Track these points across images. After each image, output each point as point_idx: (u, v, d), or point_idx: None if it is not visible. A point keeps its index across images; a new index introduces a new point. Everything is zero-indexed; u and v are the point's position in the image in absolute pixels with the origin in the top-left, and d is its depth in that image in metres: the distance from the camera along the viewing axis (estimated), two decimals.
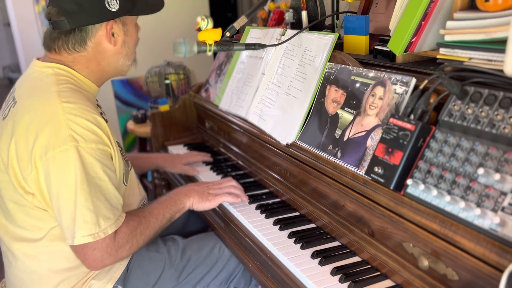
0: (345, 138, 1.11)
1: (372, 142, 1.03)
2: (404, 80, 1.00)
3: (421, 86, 0.94)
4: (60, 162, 1.02)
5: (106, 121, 1.22)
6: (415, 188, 0.87)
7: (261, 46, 1.34)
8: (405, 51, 1.06)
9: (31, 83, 1.15)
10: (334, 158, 1.12)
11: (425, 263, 0.85)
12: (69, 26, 1.11)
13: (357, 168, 1.04)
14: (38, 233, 1.12)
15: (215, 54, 2.06)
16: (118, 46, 1.20)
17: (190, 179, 1.63)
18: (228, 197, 1.31)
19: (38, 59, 1.20)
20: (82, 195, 1.02)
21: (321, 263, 1.02)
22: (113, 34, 1.17)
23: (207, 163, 1.70)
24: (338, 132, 1.14)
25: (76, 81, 1.16)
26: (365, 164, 1.01)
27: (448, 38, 0.93)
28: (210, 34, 1.25)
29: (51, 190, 1.04)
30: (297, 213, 1.27)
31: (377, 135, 1.02)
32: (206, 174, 1.61)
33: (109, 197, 1.08)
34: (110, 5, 1.13)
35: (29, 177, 1.05)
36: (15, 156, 1.05)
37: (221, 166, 1.67)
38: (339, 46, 1.30)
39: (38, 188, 1.06)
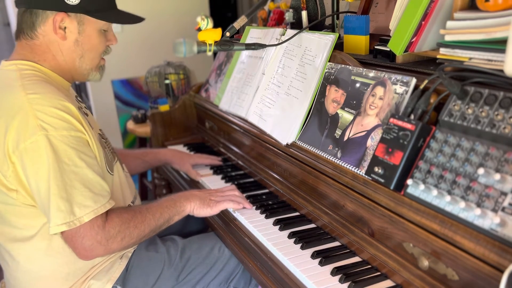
0: (345, 138, 1.11)
1: (372, 142, 1.03)
2: (404, 80, 1.00)
3: (421, 86, 0.94)
4: (33, 153, 1.01)
5: (87, 115, 1.21)
6: (415, 188, 0.87)
7: (261, 46, 1.34)
8: (405, 51, 1.06)
9: None
10: (334, 158, 1.12)
11: (425, 263, 0.85)
12: (22, 6, 1.13)
13: (357, 168, 1.04)
14: (30, 230, 1.11)
15: (215, 54, 2.06)
16: (70, 43, 1.16)
17: (191, 180, 1.63)
18: (229, 203, 1.30)
19: (5, 60, 1.19)
20: (55, 183, 1.02)
21: (321, 263, 1.02)
22: (65, 29, 1.14)
23: (206, 164, 1.70)
24: (338, 132, 1.14)
25: (41, 74, 1.14)
26: (365, 164, 1.01)
27: (448, 38, 0.93)
28: (210, 34, 1.25)
29: (30, 183, 1.04)
30: (297, 213, 1.27)
31: (377, 135, 1.02)
32: (205, 175, 1.61)
33: (89, 184, 1.06)
34: None
35: (7, 174, 1.05)
36: None
37: (221, 166, 1.67)
38: (339, 46, 1.30)
39: (20, 183, 1.06)
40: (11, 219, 1.11)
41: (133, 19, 1.27)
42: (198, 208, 1.28)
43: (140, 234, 1.16)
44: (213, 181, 1.54)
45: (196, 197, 1.29)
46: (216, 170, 1.63)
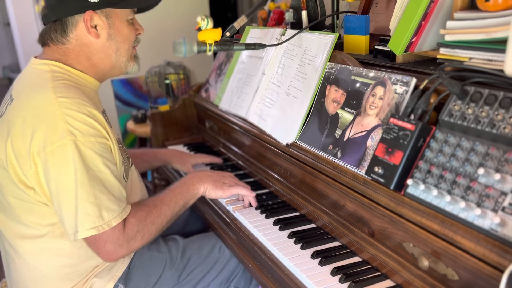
0: (345, 138, 1.11)
1: (372, 142, 1.03)
2: (404, 80, 1.00)
3: (421, 86, 0.94)
4: (59, 157, 1.02)
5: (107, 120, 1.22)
6: (415, 188, 0.87)
7: (261, 46, 1.34)
8: (405, 51, 1.06)
9: (27, 81, 1.16)
10: (334, 158, 1.12)
11: (425, 263, 0.85)
12: (51, 19, 1.14)
13: (357, 168, 1.04)
14: (40, 230, 1.12)
15: (215, 54, 2.06)
16: (103, 40, 1.17)
17: None
18: (242, 189, 1.32)
19: (35, 57, 1.20)
20: (83, 188, 1.03)
21: (321, 263, 1.02)
22: (96, 27, 1.15)
23: (207, 163, 1.70)
24: (338, 132, 1.14)
25: (72, 77, 1.16)
26: (365, 164, 1.01)
27: (448, 38, 0.93)
28: (210, 34, 1.25)
29: (50, 186, 1.04)
30: (297, 213, 1.27)
31: (377, 135, 1.02)
32: None
33: (112, 190, 1.08)
34: None
35: (28, 173, 1.05)
36: (13, 153, 1.06)
37: (221, 166, 1.67)
38: (339, 46, 1.30)
39: (38, 183, 1.06)
40: (22, 215, 1.11)
41: (152, 2, 1.28)
42: (211, 189, 1.30)
43: (158, 228, 1.18)
44: None
45: (209, 179, 1.31)
46: (216, 169, 1.63)
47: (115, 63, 1.22)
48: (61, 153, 1.02)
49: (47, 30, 1.18)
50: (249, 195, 1.32)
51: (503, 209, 0.73)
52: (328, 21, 1.61)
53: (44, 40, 1.19)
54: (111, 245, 1.07)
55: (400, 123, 0.92)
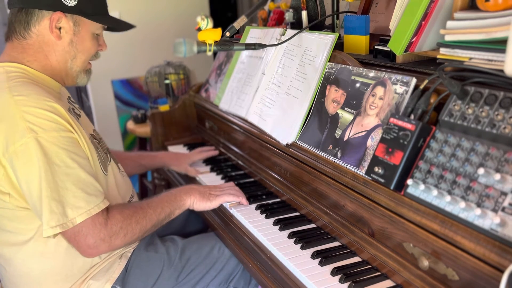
0: (345, 138, 1.11)
1: (372, 142, 1.03)
2: (404, 80, 1.00)
3: (422, 86, 0.94)
4: (23, 155, 1.00)
5: (79, 116, 1.21)
6: (416, 188, 0.87)
7: (261, 46, 1.34)
8: (405, 51, 1.06)
9: None
10: (334, 158, 1.12)
11: (425, 263, 0.85)
12: (18, 5, 1.12)
13: (357, 168, 1.04)
14: (26, 235, 1.11)
15: (215, 54, 2.06)
16: (65, 44, 1.16)
17: (191, 180, 1.63)
18: (229, 196, 1.32)
19: None
20: (47, 185, 1.01)
21: (321, 263, 1.02)
22: (60, 29, 1.14)
23: (207, 163, 1.70)
24: (338, 132, 1.14)
25: (28, 75, 1.13)
26: (365, 164, 1.01)
27: (448, 38, 0.93)
28: (210, 34, 1.25)
29: (22, 186, 1.03)
30: (297, 213, 1.27)
31: (377, 135, 1.02)
32: (206, 175, 1.61)
33: (82, 185, 1.05)
34: None
35: None
36: None
37: (221, 166, 1.67)
38: (339, 46, 1.30)
39: (11, 185, 1.05)
40: (4, 223, 1.10)
41: (124, 26, 1.29)
42: (198, 201, 1.30)
43: (142, 229, 1.16)
44: (214, 182, 1.54)
45: (196, 191, 1.31)
46: (216, 169, 1.63)
47: (68, 70, 1.21)
48: (24, 151, 1.00)
49: (12, 19, 1.14)
50: (236, 200, 1.33)
51: (503, 209, 0.73)
52: (328, 21, 1.61)
53: (10, 31, 1.16)
54: (92, 239, 1.06)
55: (400, 123, 0.92)
